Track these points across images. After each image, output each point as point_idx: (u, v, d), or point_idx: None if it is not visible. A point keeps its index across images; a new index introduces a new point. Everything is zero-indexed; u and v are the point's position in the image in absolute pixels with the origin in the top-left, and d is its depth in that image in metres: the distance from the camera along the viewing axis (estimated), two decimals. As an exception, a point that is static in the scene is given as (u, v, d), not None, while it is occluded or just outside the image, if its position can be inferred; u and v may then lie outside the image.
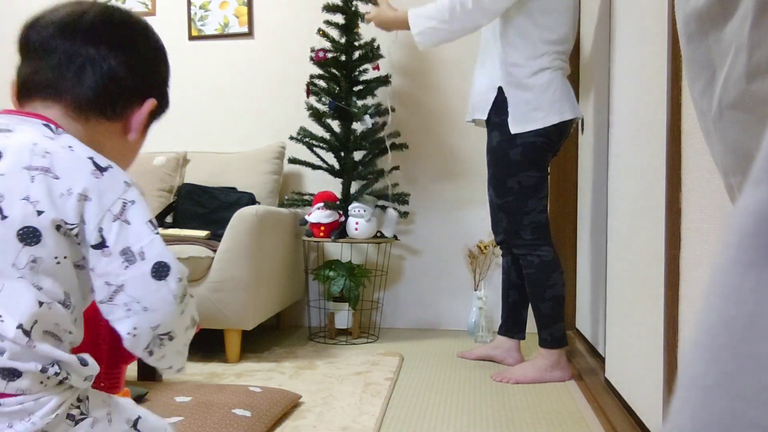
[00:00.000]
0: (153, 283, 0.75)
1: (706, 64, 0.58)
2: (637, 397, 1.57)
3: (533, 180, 2.15)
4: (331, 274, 2.75)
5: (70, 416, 0.74)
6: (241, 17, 3.23)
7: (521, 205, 2.17)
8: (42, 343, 0.70)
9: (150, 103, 0.89)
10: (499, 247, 2.44)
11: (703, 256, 1.17)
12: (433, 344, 2.73)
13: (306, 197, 2.84)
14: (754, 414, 0.24)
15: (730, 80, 0.53)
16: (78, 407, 0.75)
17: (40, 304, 0.70)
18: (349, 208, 2.72)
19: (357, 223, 2.66)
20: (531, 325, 2.41)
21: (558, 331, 2.17)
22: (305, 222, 2.74)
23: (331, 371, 2.21)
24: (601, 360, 2.10)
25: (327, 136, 2.80)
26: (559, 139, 2.17)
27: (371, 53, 2.77)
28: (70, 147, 0.76)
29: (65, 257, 0.73)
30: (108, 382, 0.98)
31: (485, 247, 2.95)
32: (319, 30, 2.78)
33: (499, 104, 2.18)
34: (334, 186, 2.86)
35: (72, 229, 0.73)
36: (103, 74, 0.82)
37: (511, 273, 2.38)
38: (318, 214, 2.67)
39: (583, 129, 2.67)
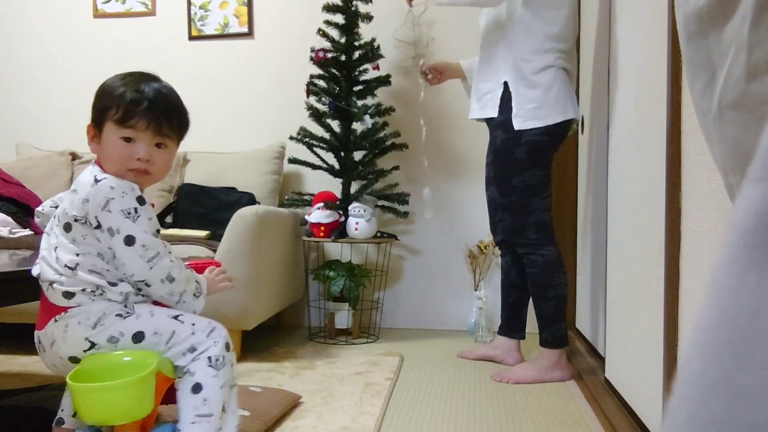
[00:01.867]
0: (125, 248, 1.20)
1: (706, 64, 0.58)
2: (637, 397, 1.57)
3: (537, 179, 2.15)
4: (331, 274, 2.75)
5: (118, 315, 1.22)
6: (241, 17, 3.23)
7: (525, 204, 2.17)
8: (86, 275, 1.21)
9: None
10: (498, 247, 2.44)
11: (703, 255, 1.17)
12: (433, 344, 2.73)
13: (306, 197, 2.84)
14: (753, 414, 0.24)
15: (730, 80, 0.53)
16: (126, 310, 1.23)
17: (77, 254, 1.21)
18: (349, 208, 2.72)
19: (357, 223, 2.66)
20: (531, 326, 2.41)
21: (559, 331, 2.17)
22: (305, 222, 2.74)
23: (331, 371, 2.21)
24: (601, 360, 2.10)
25: (327, 136, 2.80)
26: (562, 138, 2.18)
27: (371, 53, 2.77)
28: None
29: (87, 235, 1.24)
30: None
31: (485, 247, 2.95)
32: (319, 30, 2.78)
33: (504, 101, 2.17)
34: (334, 186, 2.86)
35: (79, 220, 1.22)
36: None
37: (511, 273, 2.37)
38: (318, 214, 2.67)
39: (583, 129, 2.67)
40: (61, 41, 3.42)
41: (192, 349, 1.24)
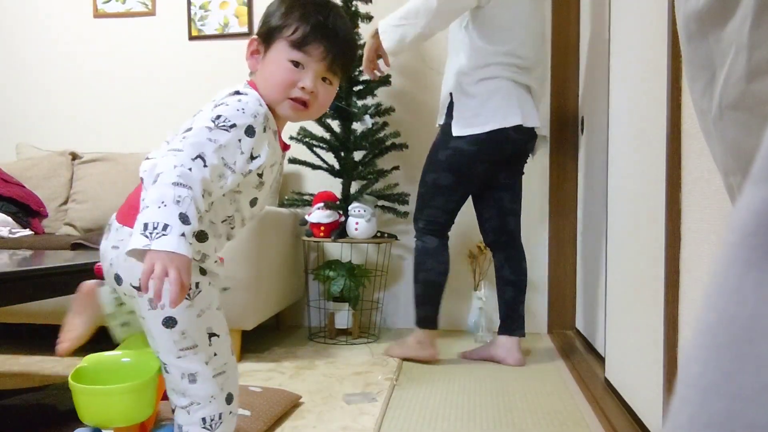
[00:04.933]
0: (190, 130, 1.03)
1: (706, 64, 0.58)
2: (637, 397, 1.57)
3: (449, 182, 2.29)
4: (331, 274, 2.75)
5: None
6: (241, 17, 3.23)
7: (429, 199, 2.33)
8: None
9: None
10: (489, 247, 2.49)
11: (703, 256, 1.17)
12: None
13: (306, 197, 2.84)
14: (753, 414, 0.24)
15: (730, 80, 0.53)
16: (191, 290, 1.03)
17: None
18: (349, 208, 2.72)
19: (357, 223, 2.66)
20: (533, 326, 2.41)
21: (425, 312, 2.35)
22: (305, 222, 2.74)
23: (331, 371, 2.21)
24: (601, 360, 2.10)
25: (327, 136, 2.80)
26: (495, 148, 2.25)
27: (371, 53, 2.76)
28: None
29: None
30: None
31: (485, 247, 2.95)
32: (319, 30, 2.77)
33: (449, 109, 2.32)
34: (334, 186, 2.86)
35: None
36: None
37: (504, 271, 2.43)
38: (318, 214, 2.67)
39: (583, 129, 2.67)
40: (61, 41, 3.41)
41: (192, 378, 1.05)
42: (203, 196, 0.95)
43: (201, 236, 1.06)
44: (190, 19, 3.27)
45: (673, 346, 1.29)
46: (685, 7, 0.58)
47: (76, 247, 2.31)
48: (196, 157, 0.96)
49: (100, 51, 3.37)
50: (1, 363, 2.32)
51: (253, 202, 1.13)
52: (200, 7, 3.26)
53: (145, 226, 0.89)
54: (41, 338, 2.65)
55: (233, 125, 1.02)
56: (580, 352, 2.44)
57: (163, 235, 0.88)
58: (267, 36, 1.12)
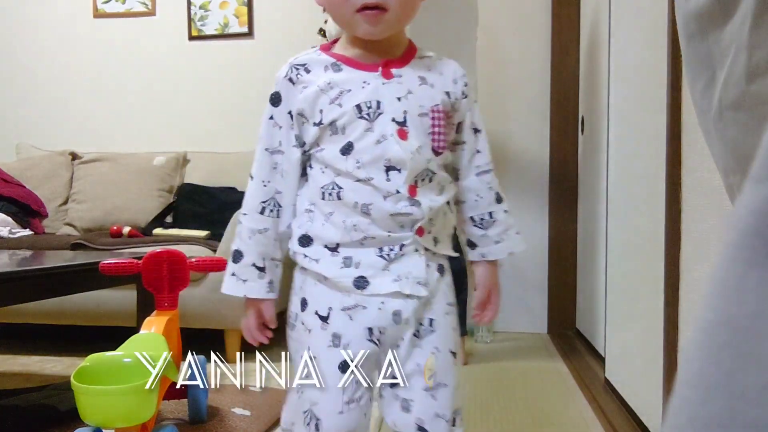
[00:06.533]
0: None
1: (706, 64, 0.57)
2: (637, 397, 1.57)
3: None
4: (331, 274, 2.75)
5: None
6: (241, 17, 3.23)
7: None
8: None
9: None
10: None
11: (703, 256, 1.17)
12: (433, 344, 2.72)
13: (306, 197, 2.84)
14: (754, 414, 0.24)
15: (730, 80, 0.53)
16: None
17: None
18: (349, 208, 2.72)
19: (357, 223, 2.66)
20: (530, 326, 2.41)
21: None
22: (305, 222, 2.74)
23: (331, 371, 2.21)
24: (601, 360, 2.10)
25: (327, 136, 2.80)
26: None
27: (371, 53, 2.77)
28: None
29: None
30: (169, 301, 1.46)
31: (485, 247, 2.95)
32: (320, 30, 2.77)
33: None
34: (334, 186, 2.86)
35: None
36: None
37: None
38: (318, 214, 2.67)
39: (583, 129, 2.67)
40: (61, 41, 3.41)
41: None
42: (266, 206, 1.01)
43: (304, 240, 1.04)
44: (190, 19, 3.27)
45: (673, 346, 1.29)
46: (685, 7, 0.58)
47: (76, 247, 2.31)
48: (250, 179, 0.99)
49: (100, 51, 3.37)
50: (1, 363, 2.32)
51: (347, 149, 0.91)
52: (200, 7, 3.26)
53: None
54: (41, 338, 2.65)
55: (265, 113, 0.98)
56: (580, 352, 2.44)
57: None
58: None
